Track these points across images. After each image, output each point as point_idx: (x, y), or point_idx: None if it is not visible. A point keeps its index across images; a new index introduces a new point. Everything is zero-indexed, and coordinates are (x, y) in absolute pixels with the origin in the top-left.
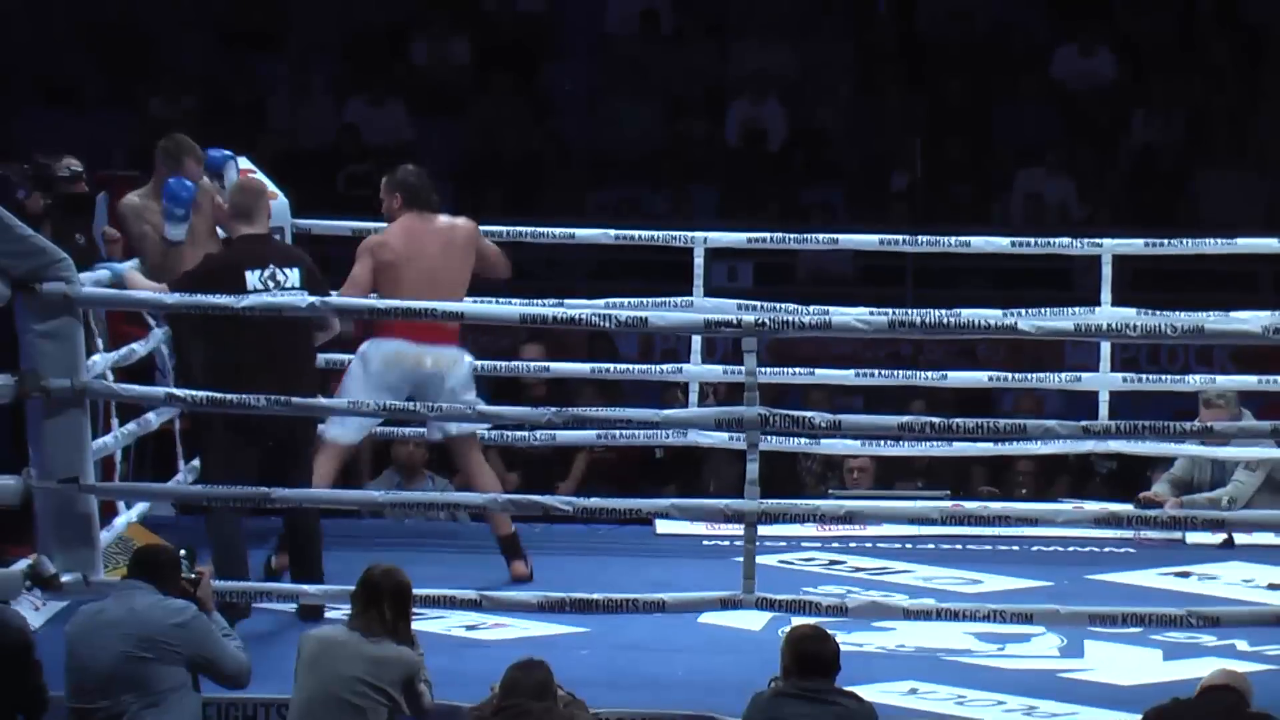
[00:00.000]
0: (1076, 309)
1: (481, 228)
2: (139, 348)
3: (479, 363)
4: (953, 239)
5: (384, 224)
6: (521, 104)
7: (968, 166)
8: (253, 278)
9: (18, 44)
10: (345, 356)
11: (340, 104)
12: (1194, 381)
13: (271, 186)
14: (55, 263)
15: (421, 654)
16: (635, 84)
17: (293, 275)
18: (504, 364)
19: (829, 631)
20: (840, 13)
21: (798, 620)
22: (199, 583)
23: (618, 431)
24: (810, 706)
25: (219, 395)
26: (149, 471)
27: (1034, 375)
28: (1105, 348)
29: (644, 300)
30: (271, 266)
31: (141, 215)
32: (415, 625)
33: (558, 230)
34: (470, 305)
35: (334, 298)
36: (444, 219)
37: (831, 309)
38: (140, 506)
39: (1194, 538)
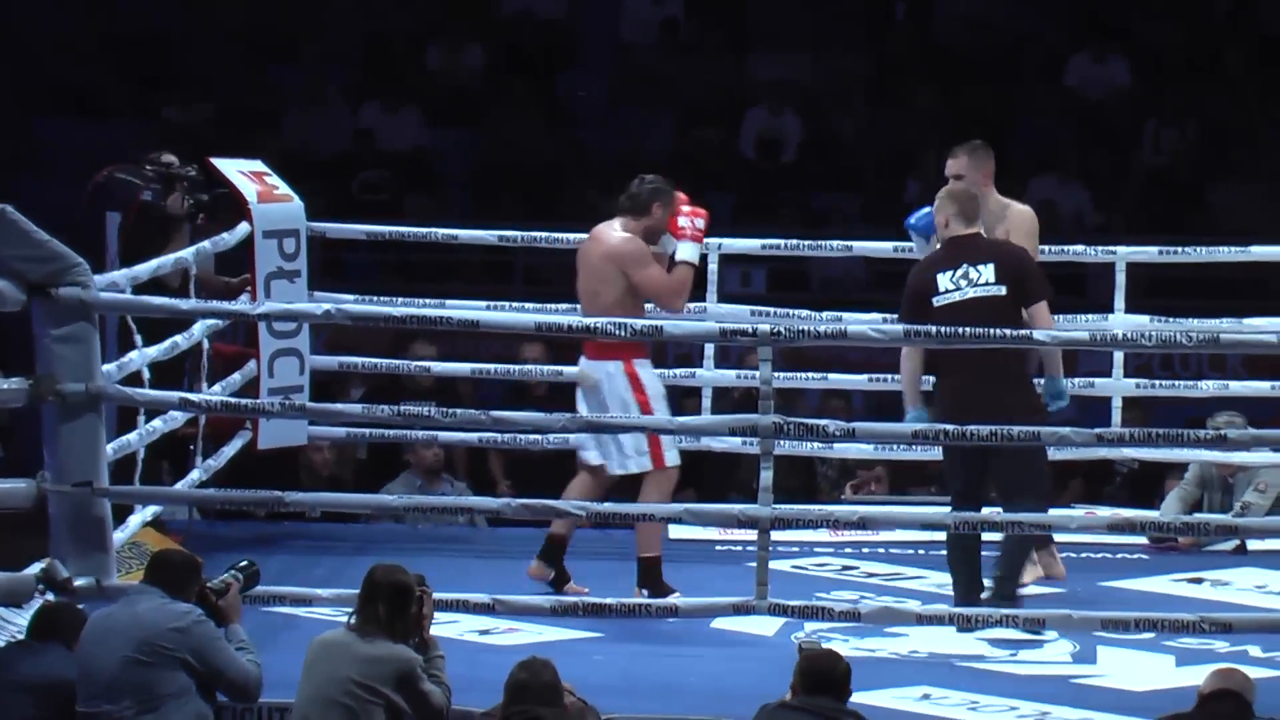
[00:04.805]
0: (1090, 316)
1: (497, 234)
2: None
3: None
4: None
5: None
6: (538, 111)
7: None
8: (944, 279)
9: (36, 52)
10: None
11: (355, 111)
12: (1207, 387)
13: (285, 189)
14: (72, 267)
15: (442, 655)
16: (651, 93)
17: (985, 271)
18: (506, 367)
19: (841, 654)
20: (857, 22)
21: (811, 625)
22: (225, 592)
23: None
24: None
25: (233, 400)
26: (165, 475)
27: None
28: (1118, 353)
29: None
30: (964, 265)
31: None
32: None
33: (572, 236)
34: (487, 314)
35: (351, 307)
36: (603, 226)
37: (845, 315)
38: (153, 508)
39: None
